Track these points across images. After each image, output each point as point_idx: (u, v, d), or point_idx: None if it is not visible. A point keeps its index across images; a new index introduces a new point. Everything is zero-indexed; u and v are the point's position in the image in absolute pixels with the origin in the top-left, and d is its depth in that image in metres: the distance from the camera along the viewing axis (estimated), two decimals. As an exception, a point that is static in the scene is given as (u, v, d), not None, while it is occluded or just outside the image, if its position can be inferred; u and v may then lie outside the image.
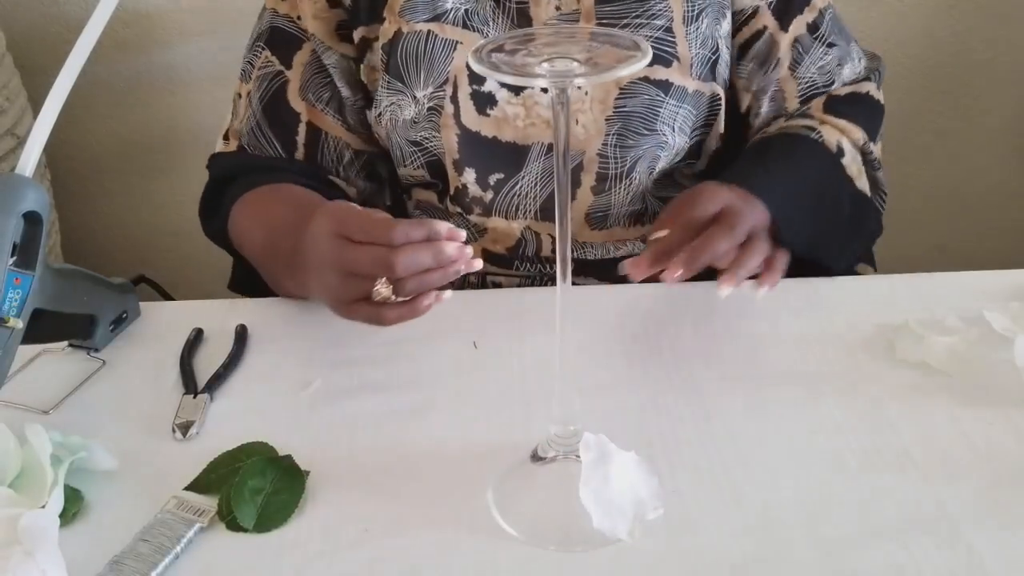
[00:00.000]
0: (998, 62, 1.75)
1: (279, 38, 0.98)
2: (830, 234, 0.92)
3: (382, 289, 0.69)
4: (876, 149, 0.99)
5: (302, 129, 0.97)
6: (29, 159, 0.70)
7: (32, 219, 0.70)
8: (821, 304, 0.89)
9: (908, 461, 0.71)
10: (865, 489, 0.68)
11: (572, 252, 0.96)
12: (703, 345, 0.84)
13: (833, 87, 0.99)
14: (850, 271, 0.99)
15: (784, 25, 0.98)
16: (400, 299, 0.72)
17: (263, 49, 0.98)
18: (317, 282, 0.76)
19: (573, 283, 0.96)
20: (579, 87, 0.91)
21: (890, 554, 0.63)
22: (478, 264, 0.72)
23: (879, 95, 1.02)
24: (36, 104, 1.52)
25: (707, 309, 0.89)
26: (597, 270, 0.98)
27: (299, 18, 0.97)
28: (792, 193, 0.88)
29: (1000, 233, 1.91)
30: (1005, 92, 1.78)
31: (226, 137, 1.02)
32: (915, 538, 0.64)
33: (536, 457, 0.69)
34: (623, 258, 0.97)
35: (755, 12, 0.97)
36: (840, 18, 1.02)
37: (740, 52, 0.99)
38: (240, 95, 1.01)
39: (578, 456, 0.66)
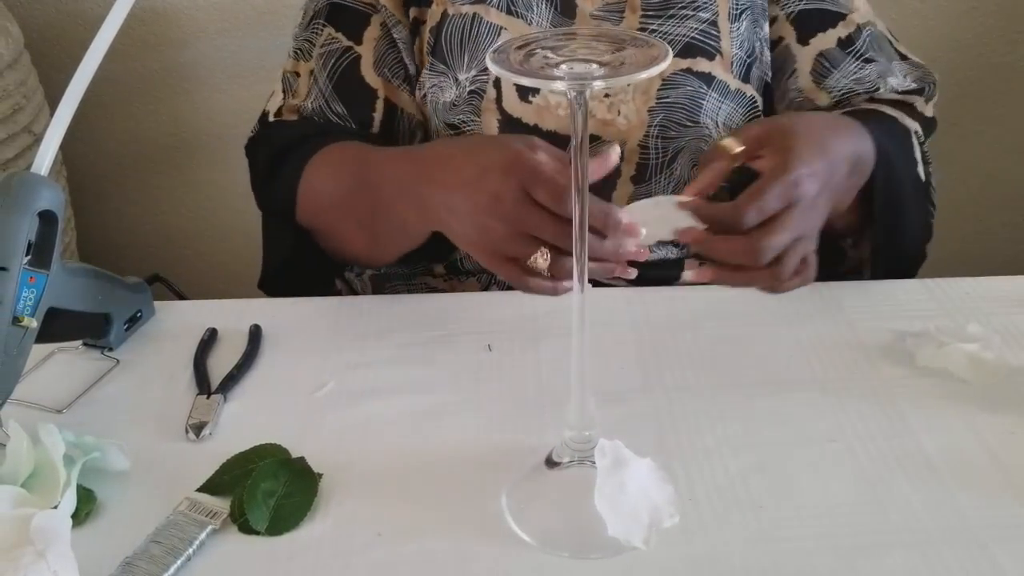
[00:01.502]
0: (1020, 65, 1.73)
1: (342, 14, 0.96)
2: (910, 203, 0.90)
3: (540, 260, 0.67)
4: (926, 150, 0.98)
5: (380, 105, 0.96)
6: (45, 158, 0.70)
7: (47, 218, 0.70)
8: (841, 310, 0.88)
9: (928, 469, 0.70)
10: (884, 497, 0.67)
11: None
12: (720, 350, 0.83)
13: (880, 92, 0.99)
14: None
15: (803, 38, 0.97)
16: (548, 273, 0.70)
17: (324, 26, 0.96)
18: (471, 222, 0.72)
19: (597, 286, 0.96)
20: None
21: (909, 563, 0.62)
22: (632, 273, 0.72)
23: (927, 109, 1.00)
24: (53, 102, 1.53)
25: (724, 314, 0.88)
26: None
27: None
28: (883, 137, 0.86)
29: (1022, 237, 1.89)
30: (1027, 95, 1.76)
31: (279, 114, 0.99)
32: (935, 548, 0.63)
33: (551, 462, 0.69)
34: (653, 263, 0.96)
35: (775, 20, 0.98)
36: (882, 37, 1.01)
37: None
38: (297, 73, 0.99)
39: (593, 462, 0.65)
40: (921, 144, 0.95)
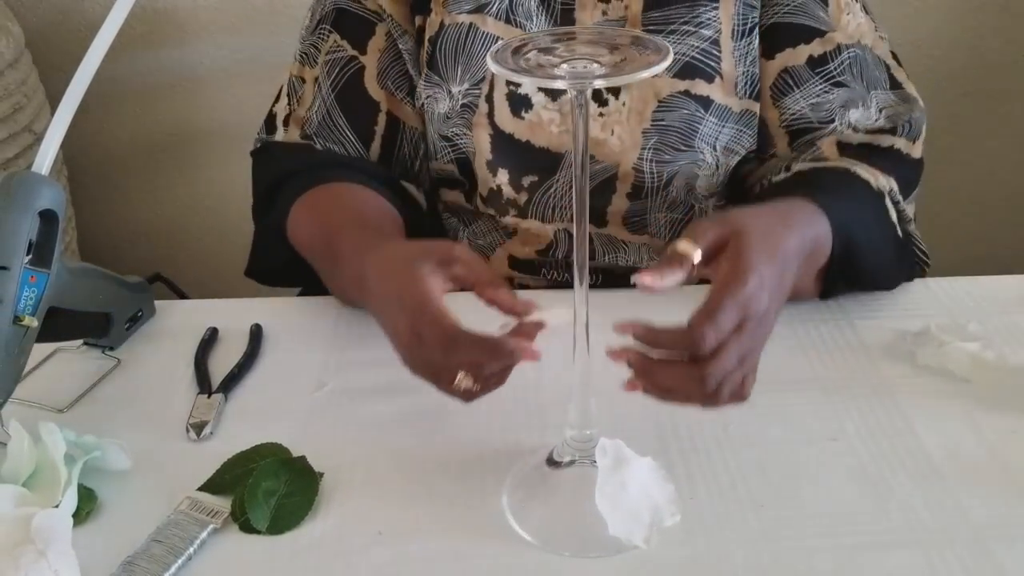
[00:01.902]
0: (1020, 63, 1.73)
1: (348, 21, 0.95)
2: (876, 269, 0.85)
3: (464, 382, 0.65)
4: (909, 209, 0.90)
5: (382, 119, 0.95)
6: (46, 157, 0.70)
7: (48, 217, 0.70)
8: (841, 309, 0.88)
9: (929, 468, 0.70)
10: (885, 496, 0.67)
11: (604, 257, 0.95)
12: (721, 349, 0.83)
13: (834, 127, 0.91)
14: None
15: (769, 52, 0.92)
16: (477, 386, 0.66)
17: (330, 32, 0.95)
18: (396, 348, 0.70)
19: (597, 287, 0.95)
20: (617, 99, 0.90)
21: (911, 562, 0.62)
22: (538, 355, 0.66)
23: (912, 150, 0.92)
24: (54, 101, 1.53)
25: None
26: (625, 283, 0.95)
27: None
28: (846, 208, 0.80)
29: (1023, 236, 1.89)
30: (1027, 94, 1.76)
31: (285, 123, 0.97)
32: (936, 546, 0.63)
33: (552, 462, 0.69)
34: None
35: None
36: (875, 61, 0.93)
37: None
38: (303, 79, 0.97)
39: (594, 461, 0.65)
40: (897, 204, 0.88)
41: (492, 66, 0.56)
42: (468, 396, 0.66)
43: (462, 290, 0.69)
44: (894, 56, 0.95)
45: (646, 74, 0.54)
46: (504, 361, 0.64)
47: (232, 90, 1.72)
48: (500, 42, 0.58)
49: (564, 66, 0.56)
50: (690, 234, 0.68)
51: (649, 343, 0.64)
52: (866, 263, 0.83)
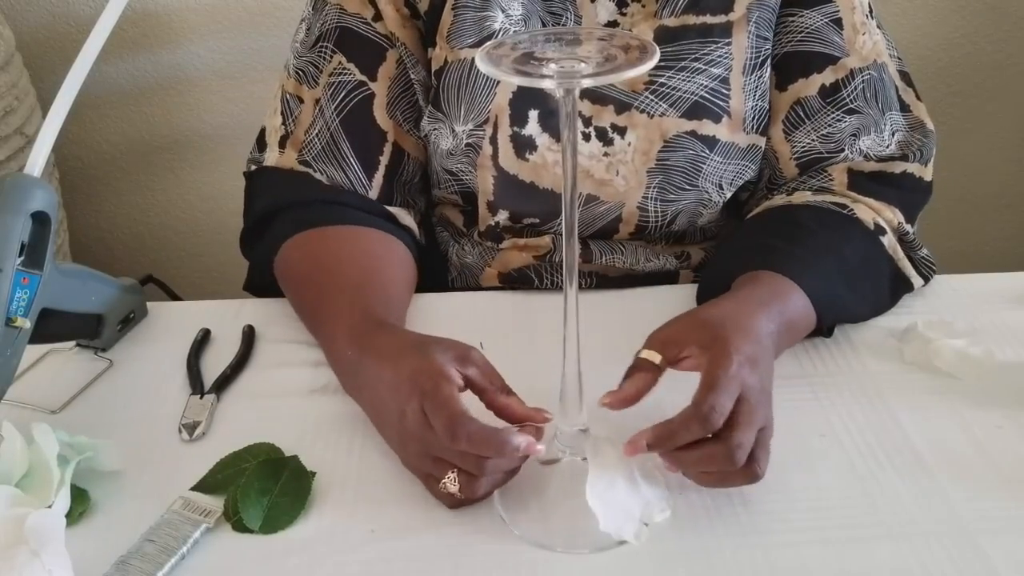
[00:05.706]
0: (1008, 63, 1.74)
1: (355, 43, 0.90)
2: (863, 311, 0.86)
3: (450, 485, 0.65)
4: (912, 230, 0.90)
5: (388, 149, 0.92)
6: (38, 159, 0.70)
7: (40, 219, 0.71)
8: (829, 306, 0.88)
9: (917, 463, 0.70)
10: (874, 491, 0.68)
11: (600, 258, 0.94)
12: (711, 347, 0.83)
13: (844, 155, 0.90)
14: None
15: (782, 83, 0.91)
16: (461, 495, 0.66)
17: (334, 52, 0.90)
18: (389, 431, 0.71)
19: (589, 289, 0.95)
20: (623, 138, 0.89)
21: (899, 556, 0.63)
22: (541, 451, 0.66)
23: (924, 173, 0.92)
24: (45, 103, 1.53)
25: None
26: (618, 285, 0.95)
27: (374, 20, 0.90)
28: (832, 277, 0.81)
29: (1010, 234, 1.90)
30: (1015, 93, 1.77)
31: (281, 144, 0.92)
32: (924, 540, 0.64)
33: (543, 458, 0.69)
34: (650, 274, 0.95)
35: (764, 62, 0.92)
36: (886, 82, 0.92)
37: None
38: (300, 99, 0.92)
39: (585, 457, 0.66)
40: (904, 236, 0.88)
41: (481, 66, 0.56)
42: (452, 502, 0.67)
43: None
44: (904, 76, 0.94)
45: (632, 73, 0.55)
46: (507, 455, 0.63)
47: (224, 92, 1.72)
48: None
49: (552, 66, 0.56)
50: (651, 338, 0.71)
51: (667, 443, 0.65)
52: (859, 315, 0.85)
